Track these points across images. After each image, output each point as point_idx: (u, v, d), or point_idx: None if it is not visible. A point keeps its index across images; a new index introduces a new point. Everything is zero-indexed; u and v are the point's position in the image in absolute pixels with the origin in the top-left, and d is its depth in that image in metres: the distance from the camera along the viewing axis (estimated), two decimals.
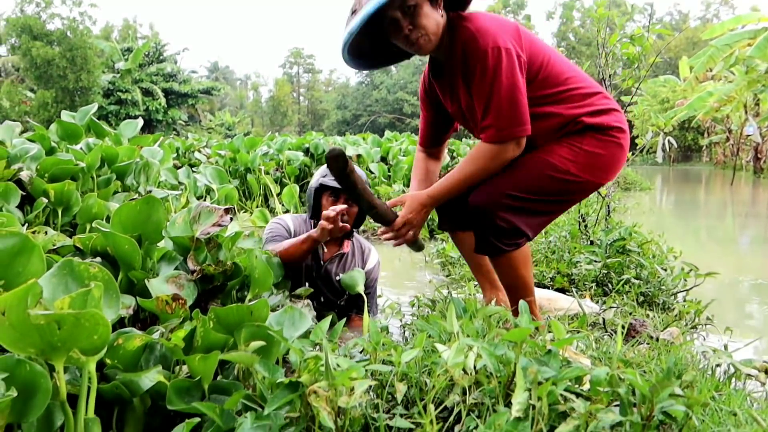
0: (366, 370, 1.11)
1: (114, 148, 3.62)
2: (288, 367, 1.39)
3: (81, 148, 3.65)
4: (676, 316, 2.49)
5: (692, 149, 35.56)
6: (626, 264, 2.95)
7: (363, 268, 2.36)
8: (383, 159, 8.53)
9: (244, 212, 6.51)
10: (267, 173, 7.19)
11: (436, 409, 1.04)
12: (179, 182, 4.95)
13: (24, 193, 2.89)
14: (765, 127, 20.82)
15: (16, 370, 0.96)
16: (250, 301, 1.77)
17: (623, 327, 1.64)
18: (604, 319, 2.14)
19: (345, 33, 1.66)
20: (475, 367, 1.09)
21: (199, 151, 8.32)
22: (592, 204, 5.21)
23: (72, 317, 0.88)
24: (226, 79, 65.93)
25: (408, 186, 7.58)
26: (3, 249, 1.10)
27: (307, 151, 8.08)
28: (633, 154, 4.61)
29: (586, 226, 3.83)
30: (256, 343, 1.20)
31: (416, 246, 1.97)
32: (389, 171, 7.94)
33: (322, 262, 2.34)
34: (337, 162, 1.60)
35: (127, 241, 1.52)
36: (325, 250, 2.37)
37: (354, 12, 1.65)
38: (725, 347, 1.67)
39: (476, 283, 2.30)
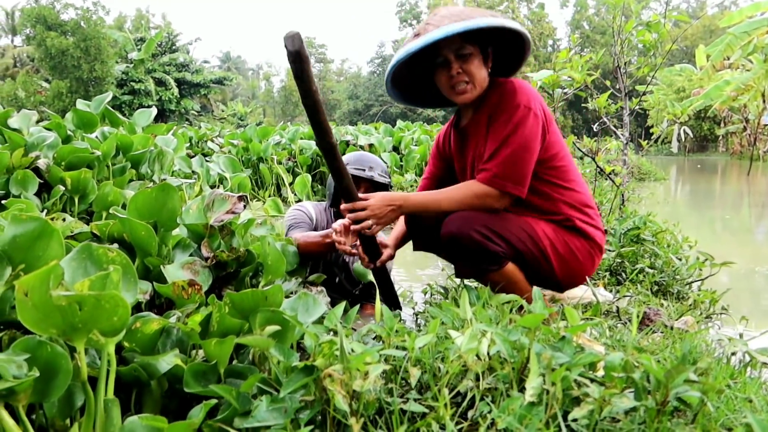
0: (380, 355, 1.11)
1: (129, 137, 3.65)
2: (302, 352, 1.41)
3: (96, 137, 3.68)
4: (690, 305, 2.47)
5: (708, 139, 35.09)
6: (640, 253, 2.93)
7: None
8: (395, 149, 8.52)
9: (257, 201, 6.54)
10: (279, 163, 7.22)
11: (449, 394, 1.04)
12: (193, 171, 4.99)
13: (41, 181, 2.93)
14: None
15: (38, 351, 0.98)
16: (263, 287, 1.79)
17: (637, 315, 1.64)
18: (617, 307, 2.13)
19: (402, 50, 1.70)
20: (488, 353, 1.09)
21: (212, 141, 8.37)
22: (606, 193, 5.18)
23: (93, 298, 0.90)
24: (238, 69, 66.02)
25: (419, 176, 7.58)
26: (23, 233, 1.12)
27: None
28: (648, 143, 4.57)
29: (600, 215, 3.80)
30: (271, 328, 1.21)
31: (371, 249, 1.88)
32: (401, 160, 7.94)
33: (340, 252, 2.35)
34: (293, 43, 1.38)
35: (143, 227, 1.54)
36: None
37: (417, 35, 1.69)
38: (741, 336, 1.66)
39: None
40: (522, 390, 0.99)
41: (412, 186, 6.87)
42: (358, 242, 1.91)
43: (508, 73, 1.90)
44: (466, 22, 1.62)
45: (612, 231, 3.16)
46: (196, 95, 31.42)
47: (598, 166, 4.01)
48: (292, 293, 1.83)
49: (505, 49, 1.85)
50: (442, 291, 2.50)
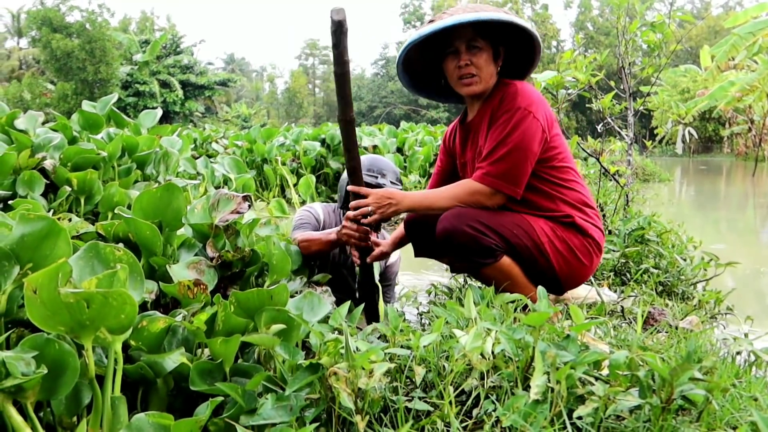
0: (385, 354, 1.12)
1: (134, 138, 3.66)
2: (308, 351, 1.41)
3: (102, 138, 3.69)
4: (695, 305, 2.47)
5: (713, 140, 34.92)
6: (645, 253, 2.92)
7: (386, 262, 2.38)
8: (399, 150, 8.52)
9: (261, 202, 6.55)
10: (283, 164, 7.24)
11: (454, 392, 1.05)
12: (197, 172, 5.01)
13: (48, 182, 2.94)
14: None
15: (46, 348, 0.99)
16: (269, 286, 1.79)
17: (642, 315, 1.64)
18: (622, 307, 2.13)
19: (416, 33, 1.76)
20: (493, 352, 1.09)
21: (217, 142, 8.40)
22: (610, 194, 5.17)
23: (100, 296, 0.90)
24: (242, 70, 66.13)
25: (423, 177, 7.59)
26: (31, 232, 1.13)
27: (323, 142, 8.10)
28: (653, 144, 4.56)
29: (604, 215, 3.80)
30: (277, 326, 1.22)
31: (363, 246, 1.89)
32: (405, 162, 7.94)
33: (348, 253, 2.35)
34: (338, 14, 1.57)
35: (148, 227, 1.55)
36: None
37: (431, 21, 1.75)
38: (746, 335, 1.65)
39: None
40: (527, 388, 1.00)
41: (415, 187, 6.88)
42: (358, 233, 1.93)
43: (519, 76, 1.93)
44: (479, 14, 1.68)
45: (616, 231, 3.15)
46: (201, 97, 31.49)
47: (602, 167, 4.00)
48: (297, 292, 1.83)
49: (517, 51, 1.88)
50: (446, 291, 2.50)
